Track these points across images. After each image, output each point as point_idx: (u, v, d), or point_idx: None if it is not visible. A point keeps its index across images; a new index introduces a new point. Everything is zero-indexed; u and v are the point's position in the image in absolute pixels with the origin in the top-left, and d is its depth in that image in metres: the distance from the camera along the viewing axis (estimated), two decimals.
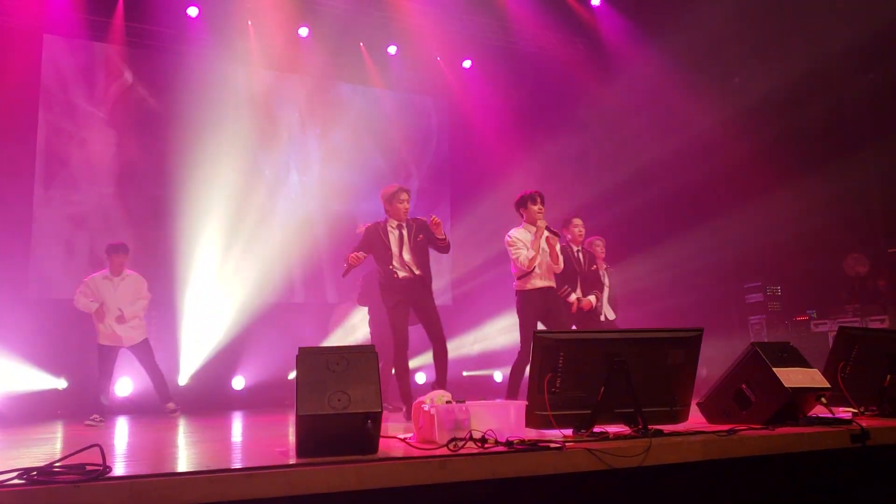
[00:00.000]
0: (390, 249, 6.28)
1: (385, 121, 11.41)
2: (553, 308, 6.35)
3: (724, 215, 9.51)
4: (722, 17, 9.04)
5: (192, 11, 9.83)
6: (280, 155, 10.83)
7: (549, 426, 3.27)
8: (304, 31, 10.44)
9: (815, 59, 8.60)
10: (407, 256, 6.27)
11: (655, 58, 9.73)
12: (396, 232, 6.32)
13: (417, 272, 6.27)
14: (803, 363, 3.81)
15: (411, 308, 6.32)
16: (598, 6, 10.91)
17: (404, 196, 6.36)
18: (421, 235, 6.36)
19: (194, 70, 9.96)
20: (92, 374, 7.41)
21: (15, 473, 2.41)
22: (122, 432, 5.87)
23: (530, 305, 6.29)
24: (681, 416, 3.58)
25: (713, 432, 3.31)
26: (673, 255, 9.49)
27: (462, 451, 2.86)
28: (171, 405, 7.42)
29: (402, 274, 6.25)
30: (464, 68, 11.60)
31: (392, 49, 11.16)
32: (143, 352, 7.40)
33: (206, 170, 9.71)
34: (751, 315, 9.41)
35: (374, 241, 6.34)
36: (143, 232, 9.56)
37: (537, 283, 6.30)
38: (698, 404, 3.99)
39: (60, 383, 8.70)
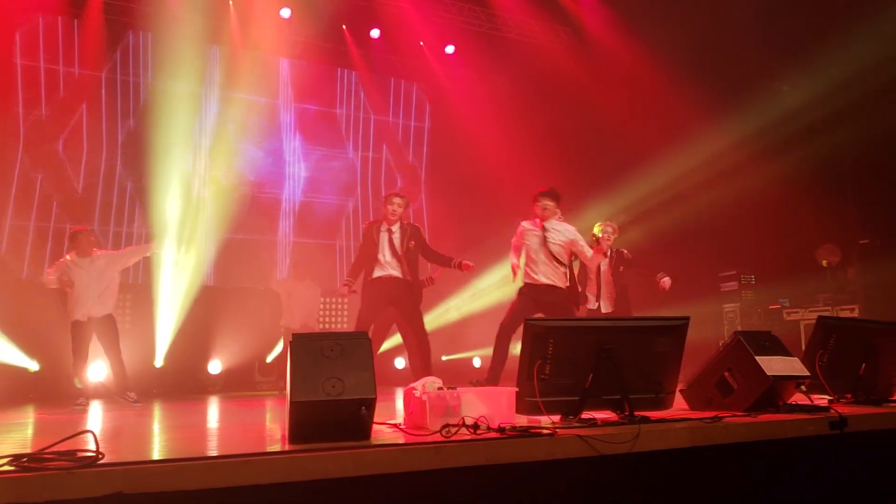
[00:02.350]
0: (377, 248, 6.62)
1: (366, 103, 11.38)
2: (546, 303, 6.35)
3: (699, 204, 9.61)
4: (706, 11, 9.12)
5: None
6: (255, 138, 10.75)
7: (539, 412, 3.31)
8: (285, 13, 10.31)
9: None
10: (391, 258, 6.59)
11: (638, 48, 9.79)
12: (386, 234, 6.64)
13: (399, 275, 6.57)
14: (784, 352, 3.90)
15: (391, 308, 6.72)
16: None
17: (396, 201, 6.71)
18: (413, 242, 6.68)
19: (173, 49, 9.82)
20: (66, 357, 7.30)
21: (6, 460, 2.39)
22: (104, 417, 5.80)
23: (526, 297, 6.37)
24: (666, 402, 3.65)
25: (699, 419, 3.38)
26: (649, 242, 9.59)
27: (455, 438, 2.89)
28: (131, 395, 7.05)
29: (379, 273, 6.58)
30: (447, 54, 11.55)
31: (375, 32, 11.07)
32: (108, 328, 7.05)
33: (180, 151, 9.62)
34: (725, 303, 9.55)
35: (366, 238, 6.77)
36: (115, 215, 9.48)
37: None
38: (681, 391, 4.05)
39: (33, 365, 8.58)
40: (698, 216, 9.64)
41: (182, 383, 9.05)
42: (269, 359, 9.88)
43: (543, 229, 6.42)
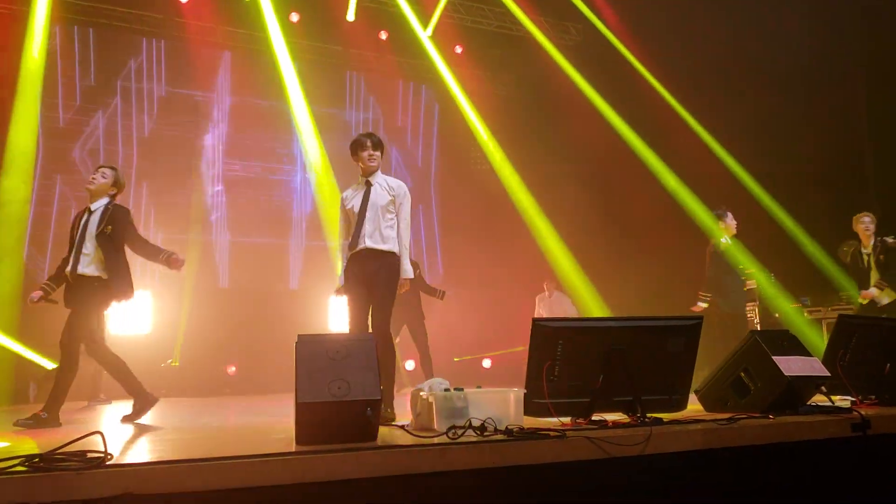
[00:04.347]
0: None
1: (374, 106, 11.43)
2: None
3: (716, 201, 9.49)
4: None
5: None
6: (273, 144, 10.84)
7: (548, 414, 3.27)
8: (293, 17, 10.41)
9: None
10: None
11: (645, 50, 9.76)
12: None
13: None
14: (803, 351, 3.83)
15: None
16: None
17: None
18: None
19: (186, 56, 9.92)
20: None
21: (18, 460, 2.41)
22: (115, 418, 5.84)
23: None
24: (680, 404, 3.60)
25: (713, 420, 3.32)
26: (665, 241, 9.50)
27: (462, 439, 2.86)
28: (102, 395, 7.51)
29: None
30: (455, 53, 11.54)
31: (382, 35, 11.10)
32: None
33: (194, 155, 9.72)
34: (749, 302, 9.40)
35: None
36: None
37: None
38: (696, 392, 4.00)
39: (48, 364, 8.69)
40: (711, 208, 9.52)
41: (197, 383, 9.11)
42: (283, 359, 9.91)
43: None
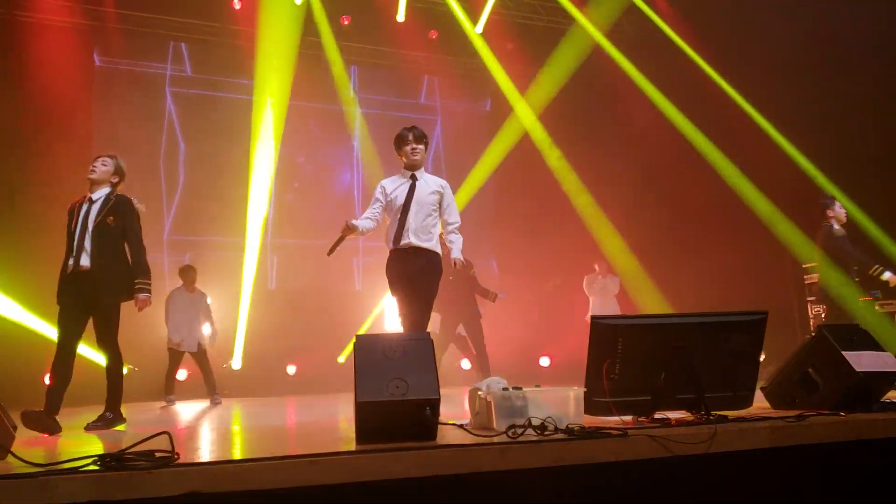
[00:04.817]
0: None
1: (426, 103, 11.49)
2: None
3: (777, 188, 9.22)
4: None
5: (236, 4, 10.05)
6: (321, 143, 10.98)
7: (609, 413, 3.23)
8: (344, 20, 10.53)
9: None
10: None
11: (701, 39, 9.56)
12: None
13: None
14: (874, 346, 3.68)
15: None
16: None
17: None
18: None
19: (234, 59, 10.13)
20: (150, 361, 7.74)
21: (91, 459, 2.50)
22: (182, 418, 6.00)
23: None
24: (745, 401, 3.51)
25: (780, 418, 3.22)
26: (727, 235, 9.29)
27: (521, 439, 2.84)
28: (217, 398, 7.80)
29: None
30: (506, 50, 11.47)
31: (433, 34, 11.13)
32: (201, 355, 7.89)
33: (244, 160, 9.92)
34: (810, 297, 9.12)
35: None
36: (179, 224, 9.85)
37: None
38: (762, 389, 3.89)
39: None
40: (775, 202, 9.27)
41: (258, 383, 9.28)
42: (341, 359, 10.06)
43: None
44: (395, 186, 4.91)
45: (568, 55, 10.65)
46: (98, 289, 4.77)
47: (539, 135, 10.87)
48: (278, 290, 10.34)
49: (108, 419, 4.82)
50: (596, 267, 10.06)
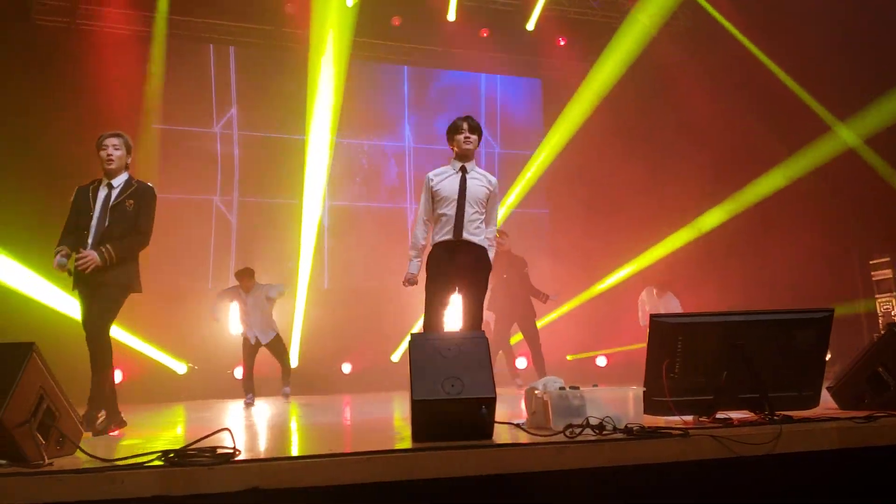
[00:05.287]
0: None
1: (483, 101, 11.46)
2: None
3: (847, 188, 8.91)
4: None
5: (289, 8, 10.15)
6: (376, 146, 11.06)
7: (669, 412, 3.17)
8: (395, 21, 10.52)
9: None
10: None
11: (760, 31, 9.31)
12: None
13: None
14: None
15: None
16: None
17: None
18: None
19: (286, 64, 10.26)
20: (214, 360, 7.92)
21: (155, 455, 2.57)
22: (241, 415, 6.11)
23: None
24: (810, 401, 3.40)
25: (849, 418, 3.12)
26: (791, 232, 9.03)
27: (579, 438, 2.81)
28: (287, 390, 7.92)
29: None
30: (559, 46, 11.37)
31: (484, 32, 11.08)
32: (276, 345, 7.96)
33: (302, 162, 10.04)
34: (879, 294, 8.80)
35: None
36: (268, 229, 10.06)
37: None
38: (828, 389, 3.77)
39: (181, 367, 9.24)
40: (840, 196, 8.95)
41: (314, 382, 9.39)
42: (395, 357, 10.12)
43: None
44: (443, 178, 4.78)
45: (622, 49, 10.46)
46: (106, 270, 4.38)
47: (594, 130, 10.73)
48: (332, 289, 10.44)
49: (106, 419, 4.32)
50: (654, 291, 9.15)
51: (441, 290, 4.65)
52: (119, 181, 4.57)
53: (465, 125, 4.74)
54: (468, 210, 4.68)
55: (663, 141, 10.61)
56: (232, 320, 8.07)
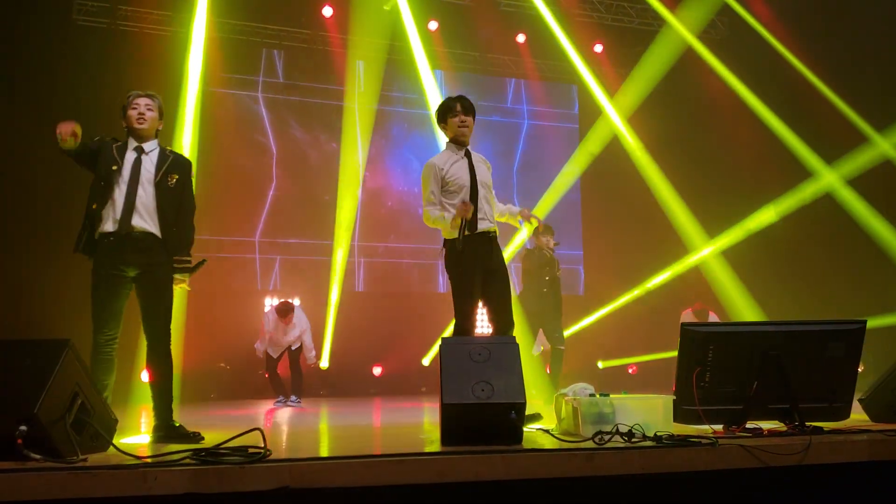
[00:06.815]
0: None
1: (515, 108, 11.47)
2: None
3: (884, 200, 8.76)
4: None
5: (327, 12, 10.24)
6: (413, 149, 11.11)
7: (699, 421, 3.16)
8: (433, 25, 10.58)
9: None
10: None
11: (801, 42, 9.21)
12: None
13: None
14: None
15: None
16: None
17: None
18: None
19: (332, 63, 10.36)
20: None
21: (188, 453, 2.63)
22: (273, 415, 6.20)
23: None
24: (841, 413, 3.36)
25: (880, 431, 3.09)
26: (825, 243, 8.93)
27: (608, 445, 2.82)
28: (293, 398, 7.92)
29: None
30: (595, 52, 11.34)
31: (521, 37, 11.10)
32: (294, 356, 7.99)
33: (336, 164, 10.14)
34: None
35: None
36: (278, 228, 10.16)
37: None
38: (860, 401, 3.72)
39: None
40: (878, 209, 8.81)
41: (344, 384, 9.46)
42: (426, 361, 10.16)
43: None
44: (450, 164, 4.31)
45: (659, 57, 10.40)
46: (159, 254, 3.89)
47: (629, 139, 10.67)
48: (364, 292, 10.52)
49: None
50: (692, 313, 8.87)
51: (474, 289, 4.21)
52: (150, 147, 4.01)
53: (458, 106, 4.31)
54: (483, 198, 4.27)
55: (699, 151, 10.51)
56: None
